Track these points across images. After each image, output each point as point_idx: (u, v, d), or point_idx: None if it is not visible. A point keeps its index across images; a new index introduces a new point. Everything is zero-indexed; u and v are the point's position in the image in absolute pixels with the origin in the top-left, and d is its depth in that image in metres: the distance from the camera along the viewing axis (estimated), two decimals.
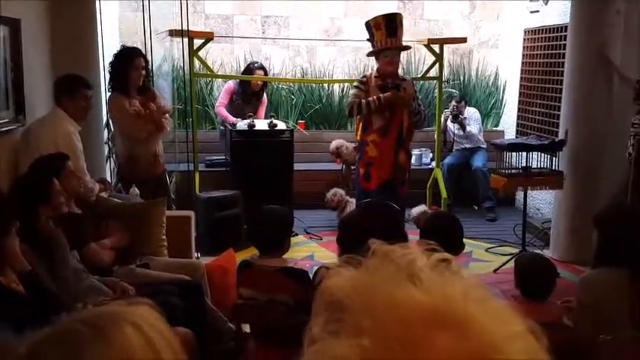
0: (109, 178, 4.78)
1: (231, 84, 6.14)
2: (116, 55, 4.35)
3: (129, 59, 4.27)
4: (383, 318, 0.46)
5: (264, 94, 6.29)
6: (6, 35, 3.65)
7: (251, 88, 6.04)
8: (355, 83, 4.97)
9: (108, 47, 4.85)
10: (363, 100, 4.70)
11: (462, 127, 6.28)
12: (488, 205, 6.22)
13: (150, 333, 0.65)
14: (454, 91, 7.00)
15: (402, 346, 0.44)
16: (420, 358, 0.44)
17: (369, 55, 4.99)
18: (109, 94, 4.40)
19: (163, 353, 0.64)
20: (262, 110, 6.21)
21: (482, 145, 6.41)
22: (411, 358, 0.44)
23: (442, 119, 6.23)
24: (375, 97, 4.68)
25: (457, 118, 6.23)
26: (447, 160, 6.40)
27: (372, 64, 5.05)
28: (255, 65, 6.09)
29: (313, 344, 0.48)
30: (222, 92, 6.16)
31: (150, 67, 4.62)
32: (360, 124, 4.91)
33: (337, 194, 5.72)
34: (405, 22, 4.93)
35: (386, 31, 4.71)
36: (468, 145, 6.43)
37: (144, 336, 0.64)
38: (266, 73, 6.14)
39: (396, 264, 0.51)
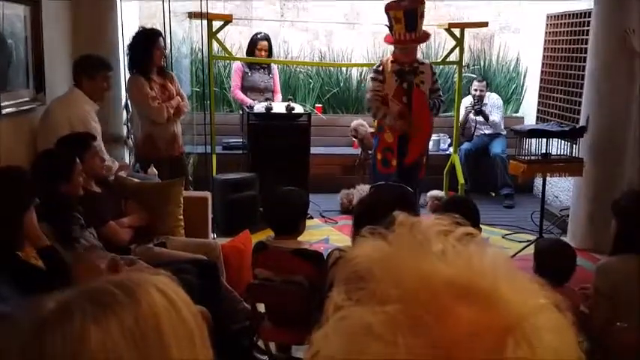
0: (127, 159, 4.81)
1: (238, 63, 6.02)
2: (136, 37, 4.34)
3: (150, 40, 4.26)
4: (409, 286, 0.46)
5: (274, 65, 6.12)
6: (27, 15, 3.67)
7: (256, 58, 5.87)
8: (371, 75, 4.90)
9: (128, 29, 4.86)
10: (383, 115, 4.75)
11: (485, 118, 6.23)
12: (507, 192, 6.17)
13: (173, 297, 0.68)
14: (474, 75, 6.92)
15: (428, 314, 0.44)
16: (446, 327, 0.44)
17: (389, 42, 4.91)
18: (129, 75, 4.41)
19: (186, 317, 0.67)
20: (277, 80, 6.07)
21: (502, 132, 6.35)
22: (437, 325, 0.44)
23: (463, 112, 6.16)
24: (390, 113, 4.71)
25: (480, 113, 6.18)
26: (465, 145, 6.34)
27: (391, 47, 4.99)
28: (258, 37, 5.89)
29: (337, 312, 0.49)
30: (232, 75, 6.05)
31: (169, 49, 4.61)
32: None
33: (349, 196, 5.69)
34: (425, 5, 4.84)
35: (405, 26, 4.64)
36: (487, 131, 6.37)
37: (168, 299, 0.67)
38: (270, 44, 5.95)
39: (422, 235, 0.51)
